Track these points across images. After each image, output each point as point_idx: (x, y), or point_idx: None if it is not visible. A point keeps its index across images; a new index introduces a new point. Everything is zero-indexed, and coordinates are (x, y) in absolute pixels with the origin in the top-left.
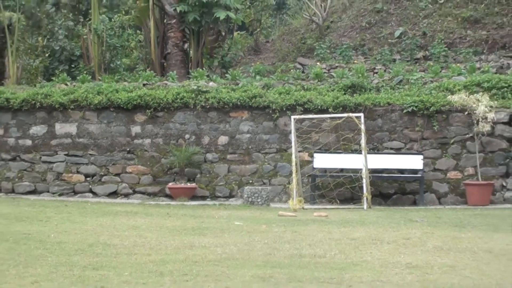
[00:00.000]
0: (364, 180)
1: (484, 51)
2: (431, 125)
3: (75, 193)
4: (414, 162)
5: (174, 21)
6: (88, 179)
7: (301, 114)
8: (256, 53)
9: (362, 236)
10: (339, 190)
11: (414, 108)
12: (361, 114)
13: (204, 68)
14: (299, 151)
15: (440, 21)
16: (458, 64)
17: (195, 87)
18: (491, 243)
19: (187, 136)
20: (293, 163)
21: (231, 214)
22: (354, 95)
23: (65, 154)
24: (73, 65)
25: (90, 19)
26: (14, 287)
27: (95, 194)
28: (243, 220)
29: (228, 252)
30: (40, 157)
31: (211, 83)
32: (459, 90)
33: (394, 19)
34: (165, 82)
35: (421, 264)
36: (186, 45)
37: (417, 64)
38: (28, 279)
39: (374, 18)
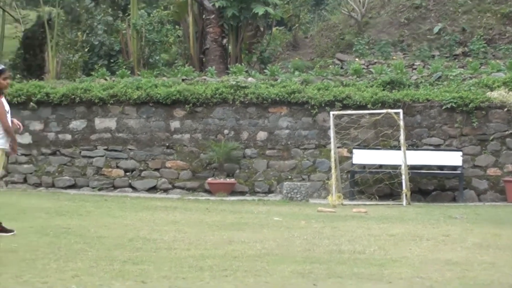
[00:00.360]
0: (403, 176)
1: None
2: (470, 122)
3: (115, 187)
4: (453, 158)
5: (212, 16)
6: (127, 174)
7: (340, 110)
8: (295, 49)
9: (401, 233)
10: (378, 186)
11: (453, 105)
12: (400, 110)
13: (242, 64)
14: (338, 147)
15: (479, 17)
16: (497, 61)
17: (234, 83)
18: None
19: (226, 131)
20: (332, 159)
21: (270, 209)
22: (393, 91)
23: (104, 149)
24: (112, 60)
25: (129, 14)
26: (55, 281)
27: (134, 189)
28: (282, 215)
29: (267, 248)
30: (80, 152)
31: (249, 79)
32: (498, 86)
33: (433, 15)
34: (204, 77)
35: (460, 261)
36: (224, 41)
37: (456, 60)
38: (69, 273)
39: (412, 14)
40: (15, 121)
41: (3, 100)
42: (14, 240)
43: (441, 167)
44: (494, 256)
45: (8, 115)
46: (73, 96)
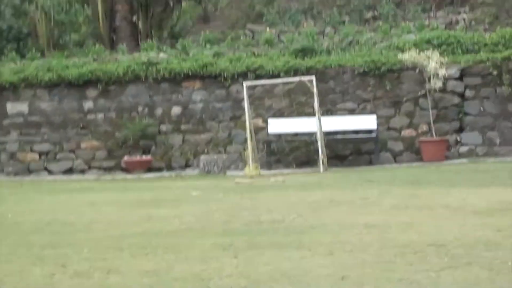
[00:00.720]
0: (319, 143)
1: (432, 7)
2: (383, 85)
3: (30, 172)
4: (368, 122)
5: None
6: (42, 157)
7: (253, 81)
8: (206, 22)
9: (319, 199)
10: (295, 154)
11: (366, 69)
12: (313, 77)
13: (154, 40)
14: (253, 118)
15: None
16: (407, 23)
17: (145, 59)
18: (448, 199)
19: (140, 108)
20: (248, 130)
21: (188, 184)
22: (305, 59)
23: (18, 134)
24: (21, 43)
25: None
26: None
27: (50, 172)
28: (200, 189)
29: (187, 223)
30: None
31: (161, 54)
32: (409, 48)
33: None
34: (115, 56)
35: (379, 223)
36: (134, 18)
37: (367, 24)
38: None
39: None
40: None
41: None
42: None
43: (356, 132)
44: (411, 216)
45: None
46: None
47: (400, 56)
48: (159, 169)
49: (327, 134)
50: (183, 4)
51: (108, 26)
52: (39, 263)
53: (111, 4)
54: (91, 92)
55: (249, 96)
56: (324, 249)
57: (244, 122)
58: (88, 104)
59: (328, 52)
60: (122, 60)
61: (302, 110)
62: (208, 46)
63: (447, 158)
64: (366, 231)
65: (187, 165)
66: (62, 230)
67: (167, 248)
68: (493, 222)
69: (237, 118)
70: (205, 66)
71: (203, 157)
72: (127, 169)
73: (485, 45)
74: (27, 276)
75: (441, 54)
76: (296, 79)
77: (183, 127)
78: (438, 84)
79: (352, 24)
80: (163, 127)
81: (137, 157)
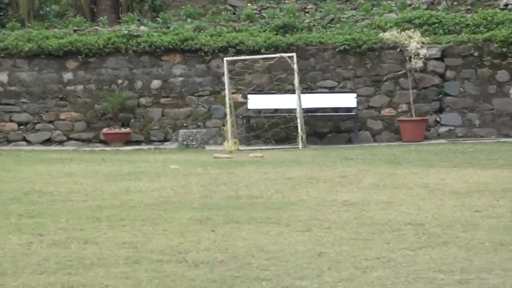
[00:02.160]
0: (298, 120)
1: None
2: (363, 63)
3: (9, 142)
4: (348, 100)
5: None
6: (21, 127)
7: (233, 56)
8: None
9: (298, 176)
10: (274, 130)
11: (346, 47)
12: (294, 54)
13: (134, 13)
14: (233, 93)
15: None
16: (389, 1)
17: (126, 32)
18: (426, 179)
19: (119, 81)
20: (227, 105)
21: (167, 157)
22: (286, 35)
23: None
24: (1, 13)
25: None
26: None
27: (29, 142)
28: (179, 163)
29: (165, 196)
30: None
31: (142, 27)
32: (390, 27)
33: None
34: (96, 27)
35: (357, 201)
36: None
37: (348, 2)
38: None
39: None
40: None
41: None
42: None
43: (336, 109)
44: (390, 195)
45: None
46: None
47: (381, 35)
48: (138, 142)
49: (306, 111)
50: None
51: None
52: (17, 232)
53: None
54: (71, 64)
55: (229, 71)
56: (302, 226)
57: (224, 97)
58: (67, 75)
59: (309, 29)
60: (103, 32)
61: (282, 86)
62: (189, 20)
63: (426, 138)
64: (344, 208)
65: (166, 139)
66: (40, 200)
67: (144, 221)
68: (470, 202)
69: (217, 93)
70: (185, 40)
71: (182, 131)
72: (106, 141)
73: (467, 26)
74: (3, 244)
75: (422, 34)
76: (277, 55)
77: (162, 100)
78: (419, 64)
79: (333, 1)
80: (143, 100)
81: (116, 130)
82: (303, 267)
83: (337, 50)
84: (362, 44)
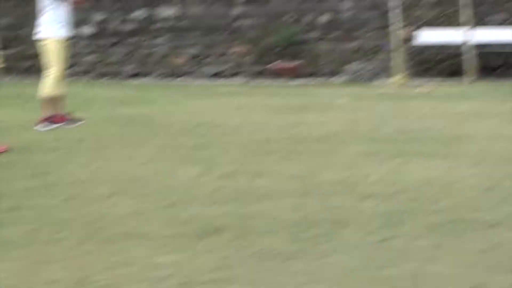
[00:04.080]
0: (467, 54)
1: None
2: None
3: (178, 76)
4: None
5: None
6: (190, 61)
7: None
8: None
9: (467, 110)
10: (442, 65)
11: None
12: None
13: None
14: (401, 28)
15: None
16: None
17: None
18: None
19: (288, 16)
20: (395, 40)
21: (335, 92)
22: None
23: (167, 37)
24: None
25: None
26: (125, 166)
27: (198, 76)
28: (347, 97)
29: (333, 130)
30: (144, 40)
31: None
32: None
33: None
34: None
35: None
36: None
37: None
38: (136, 160)
39: None
40: None
41: None
42: (81, 130)
43: (507, 44)
44: None
45: None
46: None
47: None
48: (306, 76)
49: (476, 46)
50: None
51: None
52: (186, 164)
53: None
54: None
55: (397, 6)
56: (471, 160)
57: (391, 32)
58: (237, 10)
59: None
60: None
61: (451, 21)
62: None
63: None
64: None
65: (334, 73)
66: (209, 133)
67: (313, 154)
68: None
69: (384, 28)
70: None
71: (350, 66)
72: (274, 75)
73: None
74: (174, 176)
75: None
76: None
77: (330, 35)
78: None
79: None
80: (311, 35)
81: (285, 63)
82: (474, 200)
83: None
84: None
